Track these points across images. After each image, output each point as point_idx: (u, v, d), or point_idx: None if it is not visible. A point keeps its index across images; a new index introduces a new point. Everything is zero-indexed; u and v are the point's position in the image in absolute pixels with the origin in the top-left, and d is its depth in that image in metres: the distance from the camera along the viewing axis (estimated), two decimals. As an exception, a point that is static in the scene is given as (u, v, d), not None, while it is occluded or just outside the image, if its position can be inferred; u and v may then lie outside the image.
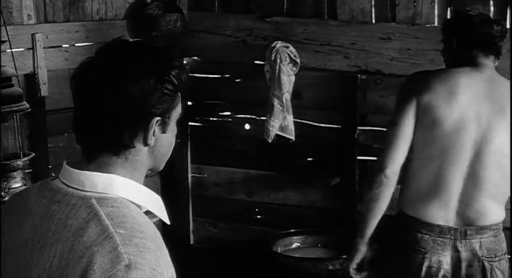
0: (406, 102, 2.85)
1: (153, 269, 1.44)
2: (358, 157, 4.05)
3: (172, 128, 1.64)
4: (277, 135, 4.09)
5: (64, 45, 3.78)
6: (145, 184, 1.67)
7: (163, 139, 1.63)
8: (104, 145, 1.57)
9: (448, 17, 3.18)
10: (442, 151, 2.84)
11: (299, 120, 4.15)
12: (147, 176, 1.70)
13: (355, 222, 4.06)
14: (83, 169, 1.57)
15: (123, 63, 1.55)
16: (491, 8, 3.78)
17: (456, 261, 2.89)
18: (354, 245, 2.98)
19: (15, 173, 3.25)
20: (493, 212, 2.90)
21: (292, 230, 4.06)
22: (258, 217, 4.48)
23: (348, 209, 4.12)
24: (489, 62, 2.96)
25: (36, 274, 1.51)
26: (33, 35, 3.61)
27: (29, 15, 3.60)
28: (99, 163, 1.58)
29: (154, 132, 1.58)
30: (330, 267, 3.57)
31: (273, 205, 4.43)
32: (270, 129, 4.06)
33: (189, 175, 4.59)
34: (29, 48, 3.61)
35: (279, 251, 3.80)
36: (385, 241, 3.02)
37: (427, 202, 2.88)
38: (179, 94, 1.62)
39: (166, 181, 4.54)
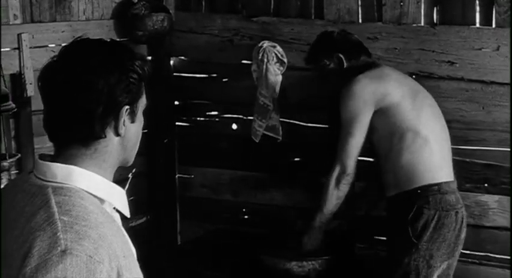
0: (364, 115, 3.36)
1: (89, 256, 1.47)
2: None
3: (139, 118, 1.71)
4: (264, 134, 4.08)
5: (50, 45, 3.76)
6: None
7: (132, 129, 1.70)
8: (74, 138, 1.64)
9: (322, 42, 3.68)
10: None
11: (286, 120, 4.15)
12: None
13: (342, 222, 4.11)
14: (48, 161, 1.65)
15: (85, 60, 1.62)
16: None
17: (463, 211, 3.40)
18: (318, 228, 3.56)
19: (1, 174, 3.23)
20: None
21: (278, 231, 4.06)
22: (245, 217, 4.48)
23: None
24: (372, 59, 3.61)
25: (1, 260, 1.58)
26: (19, 35, 3.59)
27: (15, 15, 3.58)
28: (67, 156, 1.65)
29: (124, 121, 1.65)
30: (317, 267, 3.58)
31: (259, 205, 4.43)
32: (257, 128, 4.06)
33: (176, 175, 4.58)
34: (15, 48, 3.59)
35: (265, 251, 3.79)
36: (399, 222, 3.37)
37: (444, 164, 3.37)
38: (143, 85, 1.69)
39: (153, 181, 4.53)
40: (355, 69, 3.48)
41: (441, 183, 3.31)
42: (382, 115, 3.36)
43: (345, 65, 3.52)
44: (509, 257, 3.83)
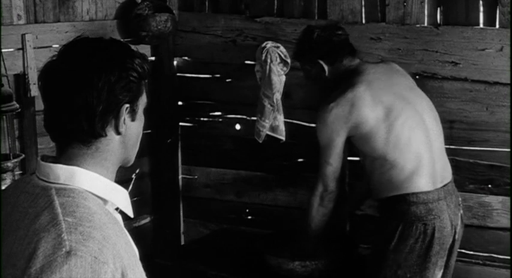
0: (337, 141, 3.35)
1: (94, 257, 1.47)
2: (348, 158, 4.05)
3: (140, 117, 1.72)
4: (267, 135, 4.08)
5: (54, 46, 3.77)
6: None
7: (132, 128, 1.70)
8: (75, 137, 1.65)
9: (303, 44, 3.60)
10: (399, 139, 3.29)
11: (289, 120, 4.15)
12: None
13: (344, 223, 4.12)
14: (50, 162, 1.65)
15: (85, 58, 1.63)
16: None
17: (452, 216, 3.30)
18: (310, 238, 3.56)
19: (5, 175, 3.24)
20: (449, 166, 3.44)
21: (281, 231, 4.06)
22: (248, 217, 4.48)
23: (337, 210, 4.12)
24: (358, 60, 3.52)
25: (1, 260, 1.58)
26: (23, 35, 3.60)
27: (18, 15, 3.58)
28: (68, 155, 1.65)
29: (124, 119, 1.66)
30: (320, 267, 3.58)
31: (262, 205, 4.43)
32: (261, 129, 4.06)
33: (180, 176, 4.58)
34: (19, 49, 3.60)
35: (268, 251, 3.79)
36: (383, 228, 3.34)
37: (416, 176, 3.26)
38: (143, 83, 1.70)
39: (156, 182, 4.53)
40: (338, 76, 3.46)
41: (408, 194, 3.24)
42: (356, 141, 3.37)
43: (326, 71, 3.47)
44: (512, 258, 3.83)
